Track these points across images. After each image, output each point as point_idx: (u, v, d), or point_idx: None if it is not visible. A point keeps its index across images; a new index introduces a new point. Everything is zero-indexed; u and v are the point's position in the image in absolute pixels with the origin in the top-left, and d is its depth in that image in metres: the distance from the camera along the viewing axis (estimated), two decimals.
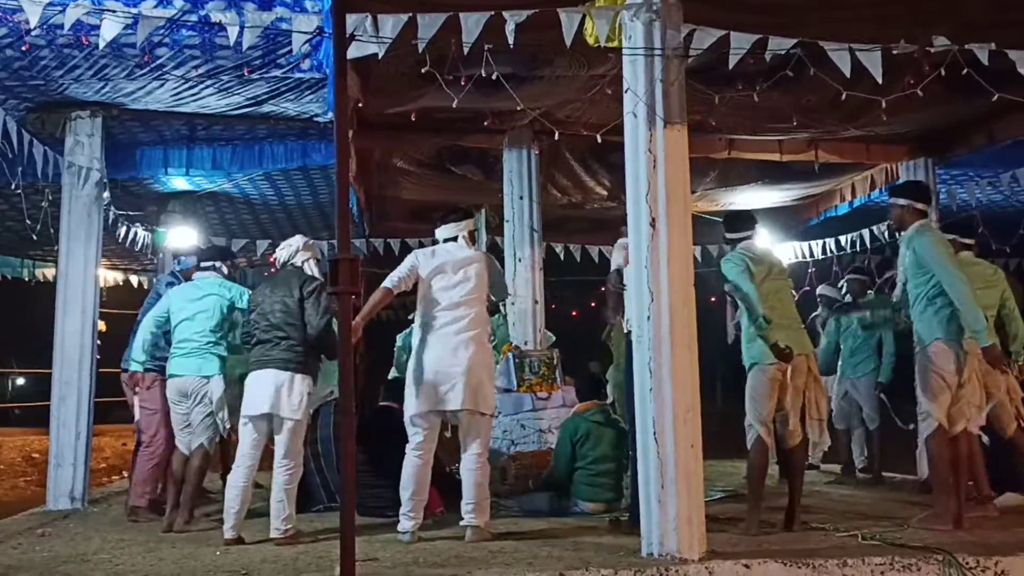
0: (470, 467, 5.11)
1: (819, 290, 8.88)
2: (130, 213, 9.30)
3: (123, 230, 8.95)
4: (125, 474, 7.62)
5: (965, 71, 4.94)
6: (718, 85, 5.97)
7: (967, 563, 4.33)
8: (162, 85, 6.60)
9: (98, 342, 7.19)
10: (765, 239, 7.80)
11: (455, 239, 5.38)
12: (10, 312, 17.34)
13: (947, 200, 9.10)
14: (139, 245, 9.50)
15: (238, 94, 6.78)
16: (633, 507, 5.28)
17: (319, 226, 10.54)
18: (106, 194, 7.41)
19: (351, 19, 4.52)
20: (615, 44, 4.72)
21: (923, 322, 5.33)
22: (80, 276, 7.04)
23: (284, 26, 5.24)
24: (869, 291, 8.15)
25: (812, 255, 11.36)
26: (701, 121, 7.00)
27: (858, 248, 10.69)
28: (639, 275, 4.58)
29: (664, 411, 4.43)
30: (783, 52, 4.86)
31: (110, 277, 12.23)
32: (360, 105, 6.39)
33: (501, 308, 7.38)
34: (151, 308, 6.15)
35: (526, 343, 7.69)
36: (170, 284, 6.44)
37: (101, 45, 5.30)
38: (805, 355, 5.28)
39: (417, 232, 10.77)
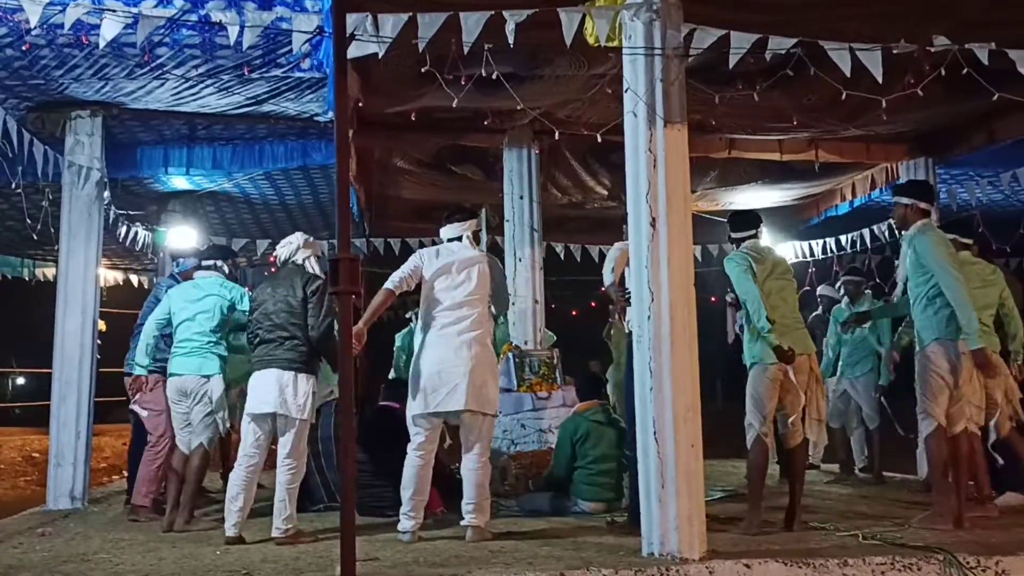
0: (471, 467, 5.11)
1: (819, 290, 8.88)
2: (130, 212, 9.31)
3: (123, 229, 8.95)
4: (125, 474, 7.61)
5: (965, 70, 4.93)
6: (718, 84, 5.97)
7: (967, 562, 4.33)
8: (162, 84, 6.60)
9: (98, 342, 7.19)
10: (766, 238, 7.78)
11: (459, 238, 5.37)
12: (10, 312, 17.34)
13: (947, 200, 9.11)
14: (139, 245, 9.50)
15: (238, 93, 6.78)
16: (632, 507, 5.28)
17: (319, 225, 10.55)
18: (106, 193, 7.41)
19: (351, 18, 4.52)
20: (615, 43, 4.71)
21: (923, 322, 5.33)
22: (80, 275, 7.04)
23: (284, 25, 5.24)
24: (867, 291, 8.15)
25: (812, 255, 11.36)
26: (701, 121, 7.01)
27: (858, 248, 10.69)
28: (639, 275, 4.58)
29: (664, 411, 4.43)
30: (783, 52, 4.86)
31: (110, 277, 12.23)
32: (360, 104, 6.40)
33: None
34: (151, 312, 6.14)
35: (526, 343, 7.70)
36: (169, 288, 6.42)
37: (101, 44, 5.30)
38: (807, 355, 5.28)
39: (417, 231, 10.78)
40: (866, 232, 10.43)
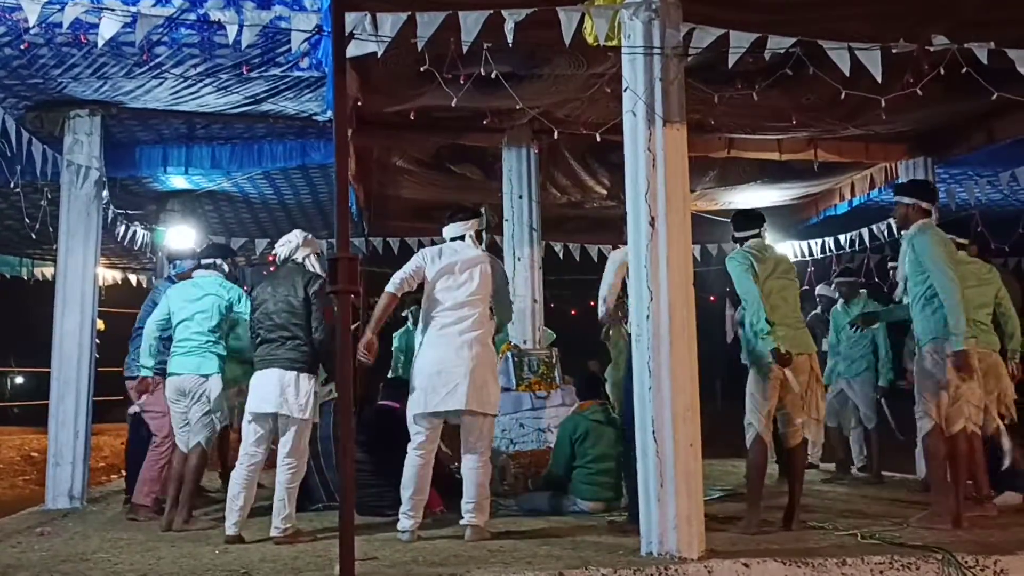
0: (472, 467, 5.11)
1: (818, 290, 8.88)
2: (129, 212, 9.31)
3: (122, 229, 8.95)
4: (124, 473, 7.61)
5: (964, 70, 4.93)
6: (717, 84, 5.97)
7: (966, 562, 4.34)
8: (161, 84, 6.60)
9: (97, 341, 7.18)
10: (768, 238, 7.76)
11: (462, 238, 5.37)
12: (9, 311, 17.34)
13: (946, 199, 9.10)
14: (138, 244, 9.50)
15: (237, 93, 6.78)
16: (631, 506, 5.28)
17: (318, 225, 10.54)
18: (105, 193, 7.41)
19: (350, 17, 4.52)
20: (614, 43, 4.72)
21: (921, 321, 5.33)
22: (79, 275, 7.04)
23: (283, 24, 5.24)
24: (862, 290, 8.16)
25: (811, 254, 11.37)
26: (700, 120, 7.01)
27: (857, 247, 10.70)
28: (638, 274, 4.58)
29: (663, 410, 4.43)
30: (782, 51, 4.87)
31: (109, 276, 12.23)
32: (359, 104, 6.40)
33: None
34: (149, 315, 6.15)
35: (525, 342, 7.69)
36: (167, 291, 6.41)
37: (100, 43, 5.30)
38: (807, 354, 5.28)
39: (416, 231, 10.79)
40: (865, 232, 10.44)
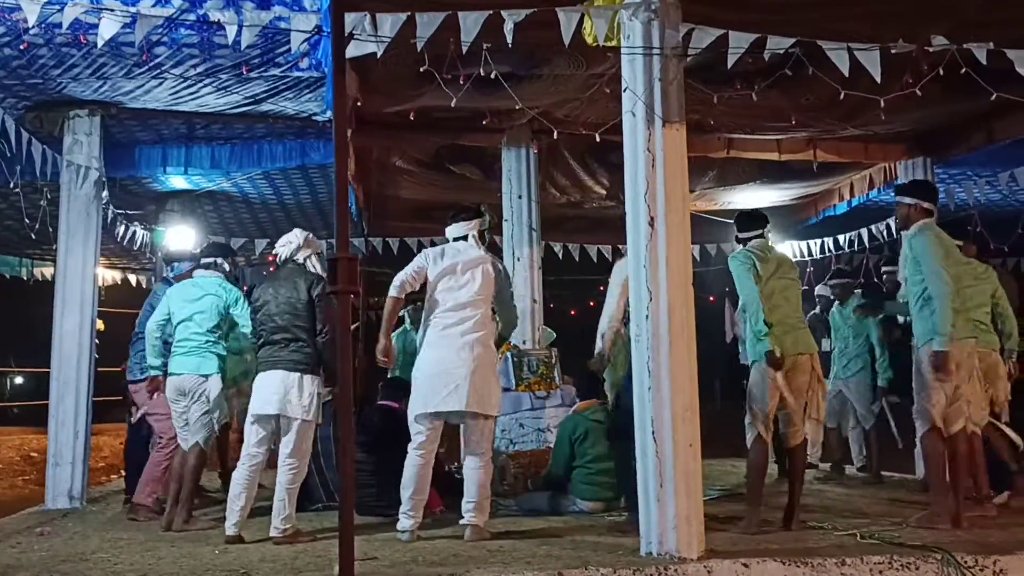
0: (473, 467, 5.11)
1: (817, 290, 8.88)
2: (129, 212, 9.31)
3: (121, 229, 8.95)
4: (123, 473, 7.61)
5: (964, 70, 4.94)
6: (717, 84, 5.97)
7: (965, 562, 4.34)
8: (160, 84, 6.60)
9: (96, 341, 7.18)
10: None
11: (465, 238, 5.37)
12: (8, 311, 17.34)
13: (945, 199, 9.10)
14: (138, 244, 9.50)
15: (236, 93, 6.78)
16: (627, 505, 5.29)
17: (318, 225, 10.54)
18: (105, 193, 7.41)
19: (350, 18, 4.52)
20: (614, 43, 4.72)
21: (920, 322, 5.33)
22: (79, 275, 7.04)
23: (283, 25, 5.24)
24: (856, 290, 8.17)
25: (810, 254, 11.38)
26: (700, 120, 7.01)
27: (856, 248, 10.70)
28: (638, 274, 4.58)
29: (663, 410, 4.43)
30: (781, 51, 4.87)
31: (108, 276, 12.24)
32: (359, 104, 6.41)
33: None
34: (148, 317, 6.15)
35: (524, 342, 7.69)
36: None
37: (99, 44, 5.30)
38: (809, 354, 5.29)
39: (416, 231, 10.78)
40: (864, 232, 10.44)
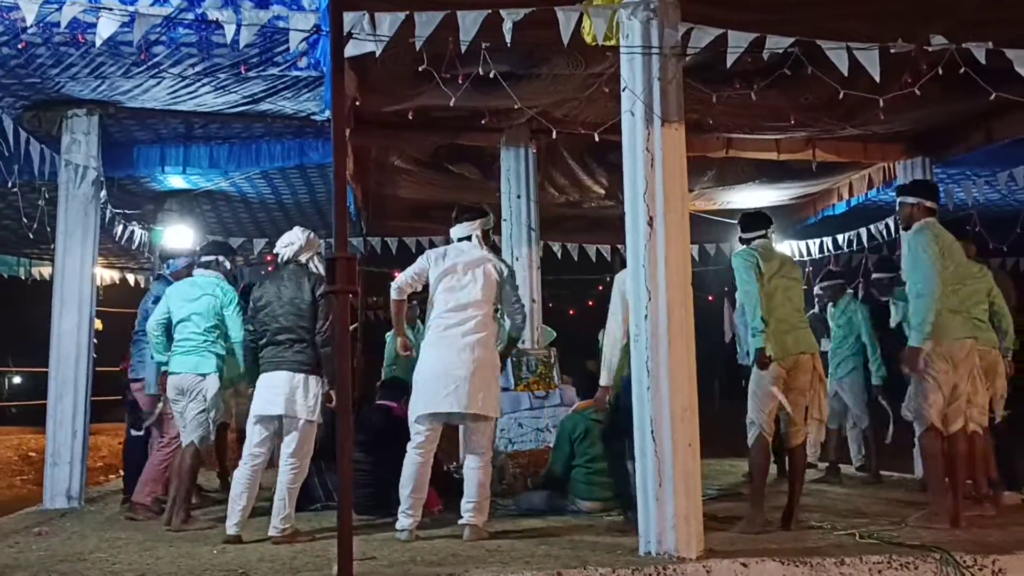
0: (473, 467, 5.11)
1: (816, 290, 8.88)
2: (127, 211, 9.30)
3: (120, 228, 8.94)
4: (122, 472, 7.60)
5: (963, 70, 4.94)
6: (716, 84, 5.97)
7: (964, 561, 4.34)
8: (159, 83, 6.59)
9: (94, 341, 7.17)
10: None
11: (469, 238, 5.36)
12: (7, 311, 17.32)
13: (944, 199, 9.10)
14: (136, 243, 9.49)
15: (235, 92, 6.77)
16: (623, 504, 5.29)
17: (316, 224, 10.51)
18: (103, 192, 7.39)
19: (348, 17, 4.51)
20: (613, 42, 4.71)
21: (916, 319, 5.33)
22: (77, 274, 7.03)
23: (281, 24, 5.23)
24: (849, 290, 8.18)
25: (809, 254, 11.38)
26: (699, 120, 7.01)
27: (855, 247, 10.70)
28: (637, 274, 4.58)
29: (662, 410, 4.43)
30: (780, 51, 4.87)
31: (107, 276, 12.23)
32: (357, 103, 6.40)
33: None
34: (147, 316, 6.15)
35: (524, 342, 7.68)
36: (157, 296, 6.36)
37: (98, 43, 5.29)
38: (810, 354, 5.29)
39: (414, 231, 10.78)
40: (863, 231, 10.44)
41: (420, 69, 4.93)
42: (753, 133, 7.82)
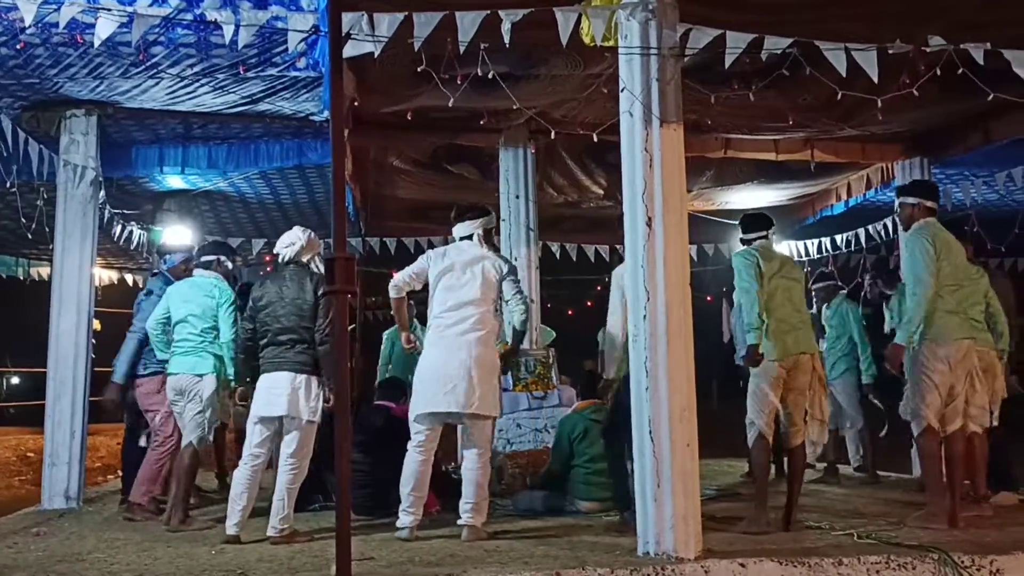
0: (471, 467, 5.11)
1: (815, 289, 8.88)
2: (125, 212, 9.29)
3: (118, 229, 8.94)
4: (120, 473, 7.59)
5: (960, 70, 4.94)
6: (714, 84, 5.97)
7: (962, 562, 4.34)
8: (157, 83, 6.59)
9: (93, 341, 7.17)
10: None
11: (470, 237, 5.36)
12: (5, 311, 17.30)
13: (942, 200, 9.09)
14: (134, 244, 9.48)
15: (234, 92, 6.77)
16: (620, 505, 5.29)
17: (315, 225, 10.44)
18: (101, 193, 7.39)
19: (347, 17, 4.51)
20: (611, 43, 4.72)
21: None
22: (75, 275, 7.02)
23: (280, 24, 5.23)
24: (842, 291, 8.17)
25: (808, 254, 11.39)
26: (697, 120, 7.01)
27: (853, 248, 10.71)
28: (635, 274, 4.58)
29: (660, 410, 4.43)
30: (779, 51, 4.87)
31: (105, 276, 12.22)
32: (356, 104, 6.40)
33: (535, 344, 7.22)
34: (142, 314, 6.14)
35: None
36: (156, 287, 6.35)
37: (96, 43, 5.28)
38: (810, 355, 5.30)
39: (413, 231, 10.78)
40: (861, 232, 10.45)
41: (419, 70, 4.94)
42: (751, 133, 7.83)
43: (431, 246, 9.22)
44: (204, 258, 6.02)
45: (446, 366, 5.08)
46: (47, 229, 7.28)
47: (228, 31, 5.17)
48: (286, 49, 5.62)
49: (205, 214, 10.59)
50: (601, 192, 9.45)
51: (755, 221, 5.61)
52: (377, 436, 6.02)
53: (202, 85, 6.60)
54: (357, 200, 9.27)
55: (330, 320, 5.09)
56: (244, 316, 5.54)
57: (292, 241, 5.43)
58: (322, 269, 5.38)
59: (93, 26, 5.16)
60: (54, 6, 5.05)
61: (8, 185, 6.98)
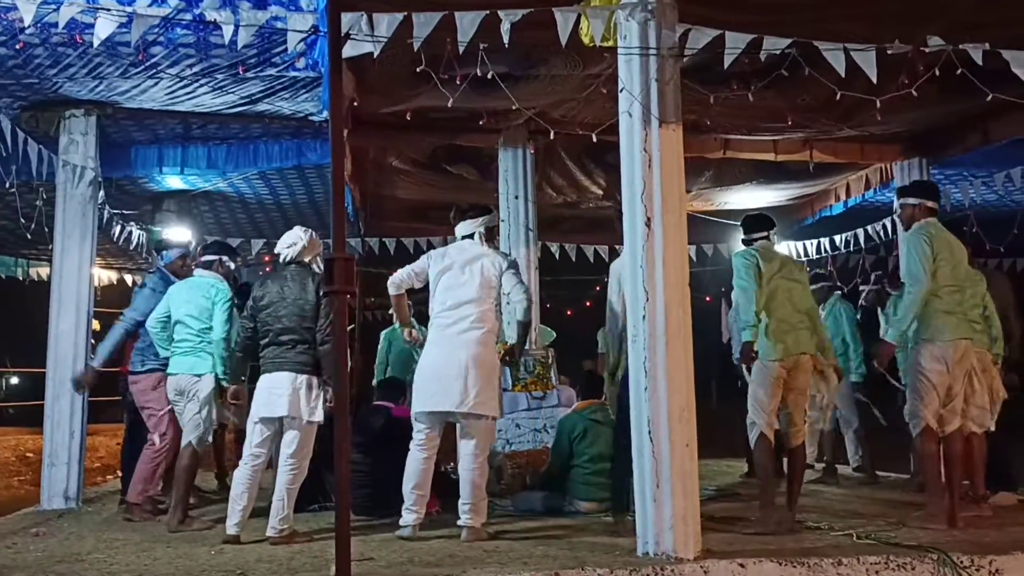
0: (468, 467, 5.10)
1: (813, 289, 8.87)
2: (125, 212, 9.30)
3: (117, 229, 8.94)
4: (119, 473, 7.60)
5: (959, 71, 4.94)
6: (713, 85, 5.98)
7: (961, 562, 4.34)
8: (156, 83, 6.59)
9: (92, 341, 7.17)
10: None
11: (472, 236, 5.36)
12: (4, 311, 17.30)
13: (942, 200, 9.09)
14: (133, 244, 9.48)
15: (233, 93, 6.77)
16: (615, 505, 5.29)
17: (314, 225, 10.40)
18: (100, 193, 7.39)
19: (346, 18, 4.51)
20: (610, 43, 4.72)
21: (915, 320, 5.34)
22: (74, 275, 7.02)
23: (279, 25, 5.23)
24: (837, 291, 8.18)
25: (806, 255, 11.40)
26: (696, 121, 7.01)
27: (852, 248, 10.72)
28: (634, 274, 4.59)
29: (659, 410, 4.43)
30: (778, 52, 4.87)
31: (104, 276, 12.22)
32: (355, 104, 6.40)
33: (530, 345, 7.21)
34: (137, 310, 6.14)
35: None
36: (154, 284, 6.35)
37: (95, 43, 5.29)
38: (810, 355, 5.30)
39: (412, 231, 10.78)
40: (860, 232, 10.45)
41: (418, 70, 4.93)
42: (750, 134, 7.83)
43: (430, 246, 9.23)
44: (205, 258, 6.01)
45: (445, 365, 5.08)
46: (46, 229, 7.28)
47: (227, 31, 5.17)
48: (285, 49, 5.62)
49: (204, 214, 10.60)
50: (600, 192, 9.46)
51: (756, 222, 5.62)
52: (376, 437, 6.02)
53: (201, 85, 6.60)
54: (356, 200, 9.27)
55: (331, 320, 5.09)
56: (244, 315, 5.53)
57: (294, 241, 5.41)
58: (321, 269, 5.38)
59: (92, 26, 5.16)
60: (53, 6, 5.05)
61: (7, 185, 6.99)
